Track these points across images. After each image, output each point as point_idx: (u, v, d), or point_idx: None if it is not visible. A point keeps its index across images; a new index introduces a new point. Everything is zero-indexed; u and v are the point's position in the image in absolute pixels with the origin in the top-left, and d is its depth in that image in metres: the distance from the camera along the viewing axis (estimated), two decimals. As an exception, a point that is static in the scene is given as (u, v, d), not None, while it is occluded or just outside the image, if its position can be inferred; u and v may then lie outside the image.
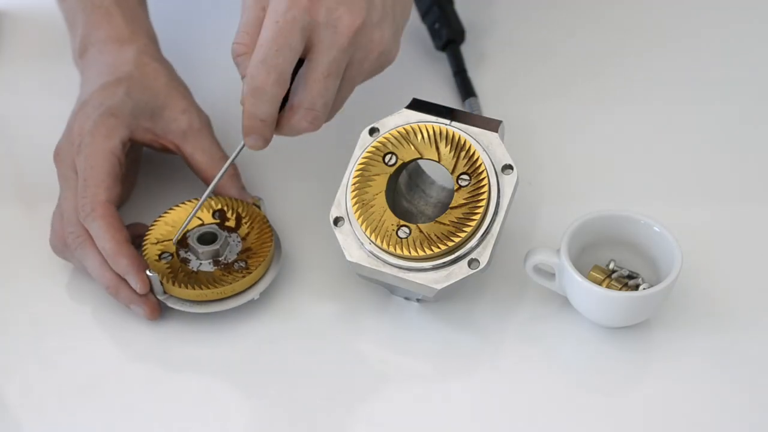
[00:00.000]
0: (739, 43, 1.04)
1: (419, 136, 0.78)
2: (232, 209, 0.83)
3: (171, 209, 0.83)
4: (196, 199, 0.83)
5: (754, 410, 0.75)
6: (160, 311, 0.79)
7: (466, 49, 1.00)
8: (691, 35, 1.04)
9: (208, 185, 0.82)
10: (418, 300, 0.80)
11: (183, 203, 0.83)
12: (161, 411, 0.75)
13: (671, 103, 0.97)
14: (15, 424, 0.75)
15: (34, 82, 1.00)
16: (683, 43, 1.03)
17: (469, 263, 0.75)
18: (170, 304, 0.78)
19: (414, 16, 1.02)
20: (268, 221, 0.82)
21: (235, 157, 0.79)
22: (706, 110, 0.97)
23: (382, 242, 0.76)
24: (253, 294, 0.79)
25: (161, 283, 0.78)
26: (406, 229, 0.76)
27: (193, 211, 0.81)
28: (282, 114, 0.76)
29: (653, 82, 0.99)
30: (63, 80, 0.99)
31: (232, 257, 0.80)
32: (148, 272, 0.78)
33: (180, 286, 0.78)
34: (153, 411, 0.75)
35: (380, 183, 0.78)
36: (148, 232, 0.81)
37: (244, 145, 0.77)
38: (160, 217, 0.82)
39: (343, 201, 0.78)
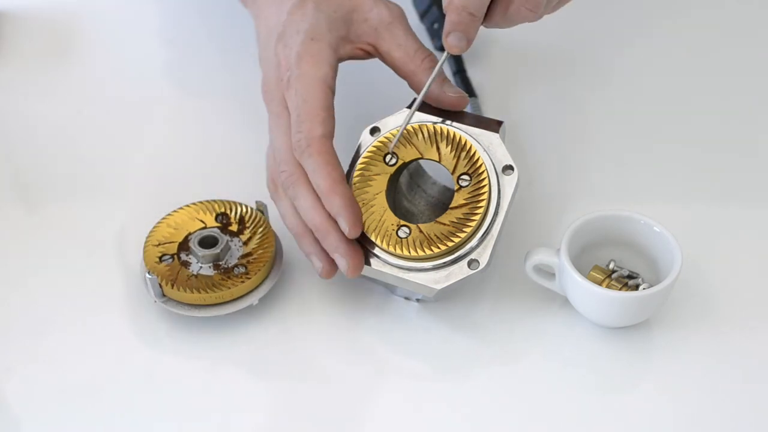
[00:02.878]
0: (740, 42, 1.04)
1: (420, 136, 0.78)
2: (236, 213, 0.83)
3: (174, 212, 0.83)
4: (201, 202, 0.83)
5: (753, 410, 0.75)
6: (362, 269, 0.76)
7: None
8: (692, 34, 1.04)
9: (407, 81, 0.79)
10: (417, 300, 0.80)
11: (186, 206, 0.83)
12: (161, 411, 0.75)
13: (671, 102, 0.97)
14: (15, 424, 0.75)
15: (34, 82, 1.00)
16: (684, 42, 1.03)
17: (469, 264, 0.75)
18: (169, 307, 0.78)
19: (412, 17, 1.02)
20: (270, 227, 0.82)
21: (443, 63, 0.76)
22: (706, 110, 0.97)
23: (382, 242, 0.76)
24: (252, 300, 0.79)
25: (160, 286, 0.78)
26: (406, 229, 0.76)
27: (406, 120, 0.77)
28: (495, 3, 0.73)
29: (653, 82, 0.99)
30: (63, 80, 0.99)
31: (232, 262, 0.80)
32: (147, 275, 0.77)
33: (179, 290, 0.78)
34: (153, 411, 0.75)
35: (381, 183, 0.78)
36: (150, 235, 0.81)
37: (448, 53, 0.74)
38: (163, 219, 0.82)
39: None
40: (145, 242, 0.81)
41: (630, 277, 0.79)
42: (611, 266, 0.79)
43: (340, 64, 0.80)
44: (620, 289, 0.78)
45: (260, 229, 0.82)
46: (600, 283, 0.77)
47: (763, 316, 0.80)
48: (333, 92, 0.78)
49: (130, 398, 0.76)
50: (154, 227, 0.82)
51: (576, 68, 1.01)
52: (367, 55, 0.81)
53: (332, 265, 0.76)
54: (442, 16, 0.99)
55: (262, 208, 0.83)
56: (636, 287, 0.78)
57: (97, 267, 0.84)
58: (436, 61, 0.80)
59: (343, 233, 0.75)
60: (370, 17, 0.80)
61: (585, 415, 0.74)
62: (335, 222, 0.75)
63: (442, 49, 0.99)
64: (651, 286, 0.76)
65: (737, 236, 0.85)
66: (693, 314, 0.79)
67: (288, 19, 0.80)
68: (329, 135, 0.76)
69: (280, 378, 0.77)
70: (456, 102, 0.78)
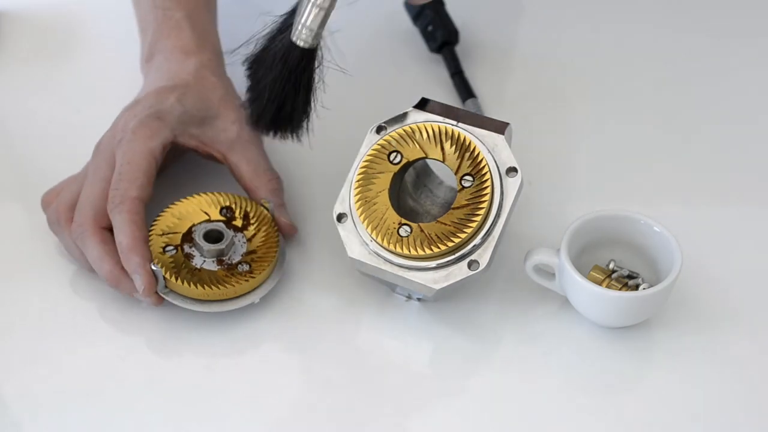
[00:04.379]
0: (740, 42, 1.04)
1: (424, 136, 0.78)
2: (241, 208, 0.83)
3: (179, 201, 0.83)
4: (205, 194, 0.83)
5: (754, 410, 0.75)
6: (162, 301, 0.79)
7: (458, 51, 1.00)
8: (691, 34, 1.04)
9: (249, 194, 0.84)
10: (419, 299, 0.80)
11: (192, 196, 0.83)
12: (161, 411, 0.75)
13: (671, 102, 0.97)
14: (15, 424, 0.75)
15: (34, 82, 0.99)
16: (683, 41, 1.03)
17: (469, 264, 0.75)
18: (170, 299, 0.78)
19: (405, 20, 1.02)
20: (275, 225, 0.82)
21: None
22: (706, 110, 0.97)
23: (383, 240, 0.76)
24: (254, 298, 0.79)
25: (164, 278, 0.78)
26: (408, 228, 0.76)
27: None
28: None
29: (653, 81, 1.00)
30: (63, 80, 0.99)
31: (236, 258, 0.80)
32: (152, 266, 0.77)
33: (183, 283, 0.78)
34: (153, 411, 0.75)
35: (384, 181, 0.78)
36: (154, 223, 0.81)
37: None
38: (168, 208, 0.82)
39: (347, 198, 0.78)
40: (150, 230, 0.80)
41: (630, 277, 0.79)
42: (611, 266, 0.79)
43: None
44: (620, 289, 0.78)
45: (265, 227, 0.82)
46: (600, 283, 0.77)
47: (763, 315, 0.80)
48: (157, 166, 0.82)
49: (132, 396, 0.76)
50: (159, 216, 0.82)
51: (576, 68, 1.01)
52: (214, 159, 0.86)
53: (157, 299, 0.80)
54: (436, 18, 1.00)
55: (267, 206, 0.83)
56: (636, 287, 0.78)
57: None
58: (281, 184, 0.85)
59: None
60: (230, 129, 0.85)
61: (585, 414, 0.74)
62: (124, 272, 0.78)
63: (437, 51, 1.00)
64: (651, 286, 0.76)
65: (737, 236, 0.85)
66: (693, 314, 0.79)
67: (151, 94, 0.85)
68: (143, 199, 0.80)
69: (281, 377, 0.77)
70: (286, 229, 0.83)
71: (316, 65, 0.78)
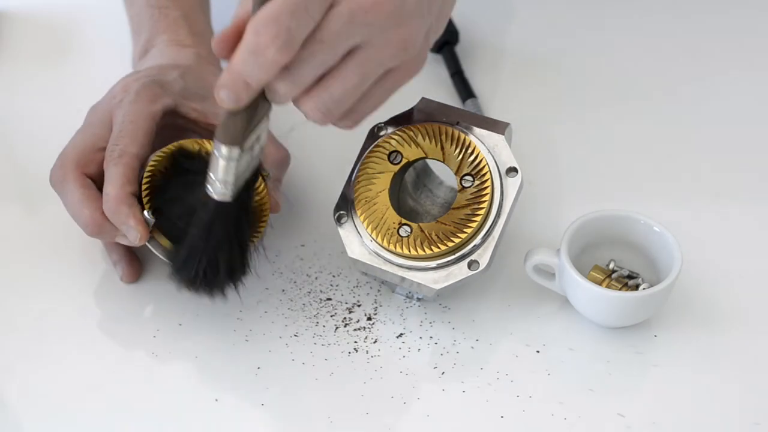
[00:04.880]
0: (739, 42, 1.04)
1: (424, 136, 0.78)
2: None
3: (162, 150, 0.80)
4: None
5: (754, 410, 0.75)
6: (138, 276, 0.79)
7: (458, 51, 1.00)
8: (692, 34, 1.04)
9: None
10: (419, 299, 0.80)
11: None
12: (161, 411, 0.75)
13: (671, 102, 0.97)
14: (15, 424, 0.75)
15: (34, 82, 1.00)
16: (682, 41, 1.03)
17: (469, 264, 0.75)
18: (151, 246, 0.77)
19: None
20: (269, 195, 0.79)
21: None
22: (706, 110, 0.97)
23: (382, 240, 0.76)
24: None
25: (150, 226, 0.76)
26: (408, 228, 0.76)
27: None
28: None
29: (652, 81, 1.00)
30: (63, 80, 0.99)
31: None
32: (145, 213, 0.76)
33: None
34: (153, 411, 0.75)
35: (384, 181, 0.78)
36: (147, 171, 0.78)
37: None
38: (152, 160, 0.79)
39: (347, 197, 0.78)
40: (143, 181, 0.78)
41: (630, 277, 0.79)
42: (611, 266, 0.79)
43: None
44: (620, 289, 0.78)
45: (257, 198, 0.79)
46: (600, 283, 0.77)
47: (763, 315, 0.80)
48: (157, 131, 0.80)
49: (132, 396, 0.76)
50: (150, 165, 0.78)
51: (576, 68, 1.01)
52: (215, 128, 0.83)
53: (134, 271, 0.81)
54: None
55: (264, 174, 0.79)
56: (636, 287, 0.78)
57: (97, 266, 0.83)
58: (287, 160, 0.83)
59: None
60: None
61: (585, 414, 0.74)
62: (107, 221, 0.76)
63: (437, 51, 1.00)
64: (651, 286, 0.76)
65: (737, 236, 0.85)
66: (693, 314, 0.79)
67: (152, 68, 0.84)
68: (141, 158, 0.78)
69: (275, 376, 0.77)
70: (273, 205, 0.80)
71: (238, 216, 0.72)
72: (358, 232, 0.77)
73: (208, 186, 0.70)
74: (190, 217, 0.73)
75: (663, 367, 0.77)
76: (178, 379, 0.77)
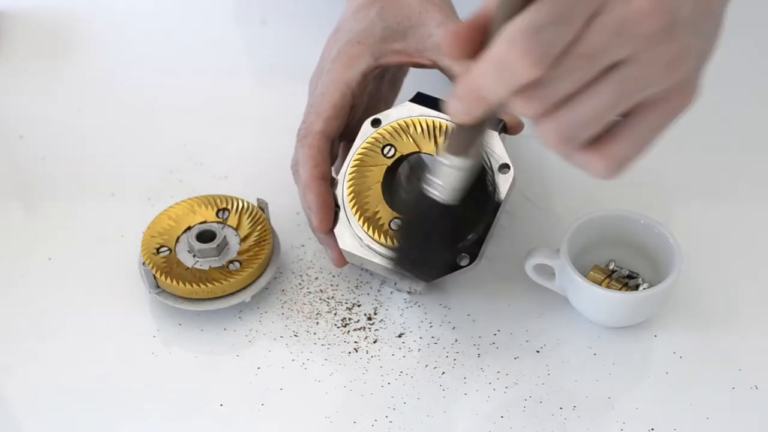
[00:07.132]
0: (740, 42, 1.04)
1: (418, 130, 0.78)
2: (236, 209, 0.83)
3: (176, 204, 0.83)
4: (203, 196, 0.83)
5: (754, 410, 0.75)
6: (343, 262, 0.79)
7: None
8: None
9: None
10: (408, 292, 0.80)
11: (188, 199, 0.83)
12: (161, 411, 0.75)
13: (671, 103, 0.97)
14: (15, 424, 0.75)
15: (34, 82, 0.99)
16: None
17: (460, 258, 0.75)
18: (162, 298, 0.79)
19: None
20: (269, 224, 0.82)
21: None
22: (706, 110, 0.97)
23: (374, 233, 0.76)
24: (245, 296, 0.79)
25: (154, 277, 0.78)
26: (399, 222, 0.76)
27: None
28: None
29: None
30: (63, 80, 0.99)
31: (229, 257, 0.80)
32: (143, 267, 0.78)
33: (173, 282, 0.78)
34: (153, 411, 0.75)
35: (377, 174, 0.78)
36: (150, 226, 0.81)
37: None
38: (164, 211, 0.82)
39: (340, 189, 0.78)
40: (144, 233, 0.81)
41: (630, 277, 0.79)
42: (611, 266, 0.79)
43: None
44: (620, 289, 0.78)
45: (259, 227, 0.82)
46: (600, 283, 0.77)
47: (763, 315, 0.80)
48: (353, 96, 0.79)
49: (132, 396, 0.76)
50: (154, 219, 0.82)
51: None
52: (422, 66, 0.81)
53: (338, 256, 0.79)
54: None
55: (263, 206, 0.83)
56: (636, 287, 0.78)
57: (97, 266, 0.83)
58: None
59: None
60: (435, 33, 0.80)
61: (584, 415, 0.74)
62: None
63: None
64: (651, 286, 0.76)
65: (737, 236, 0.85)
66: (693, 314, 0.79)
67: (350, 16, 0.82)
68: (328, 133, 0.78)
69: (275, 376, 0.77)
70: (515, 124, 0.77)
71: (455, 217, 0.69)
72: (350, 225, 0.77)
73: (427, 187, 0.67)
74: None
75: (663, 367, 0.77)
76: (178, 380, 0.77)
